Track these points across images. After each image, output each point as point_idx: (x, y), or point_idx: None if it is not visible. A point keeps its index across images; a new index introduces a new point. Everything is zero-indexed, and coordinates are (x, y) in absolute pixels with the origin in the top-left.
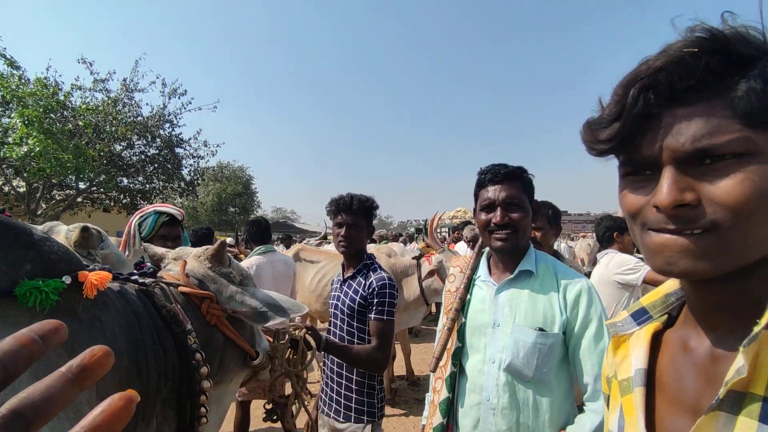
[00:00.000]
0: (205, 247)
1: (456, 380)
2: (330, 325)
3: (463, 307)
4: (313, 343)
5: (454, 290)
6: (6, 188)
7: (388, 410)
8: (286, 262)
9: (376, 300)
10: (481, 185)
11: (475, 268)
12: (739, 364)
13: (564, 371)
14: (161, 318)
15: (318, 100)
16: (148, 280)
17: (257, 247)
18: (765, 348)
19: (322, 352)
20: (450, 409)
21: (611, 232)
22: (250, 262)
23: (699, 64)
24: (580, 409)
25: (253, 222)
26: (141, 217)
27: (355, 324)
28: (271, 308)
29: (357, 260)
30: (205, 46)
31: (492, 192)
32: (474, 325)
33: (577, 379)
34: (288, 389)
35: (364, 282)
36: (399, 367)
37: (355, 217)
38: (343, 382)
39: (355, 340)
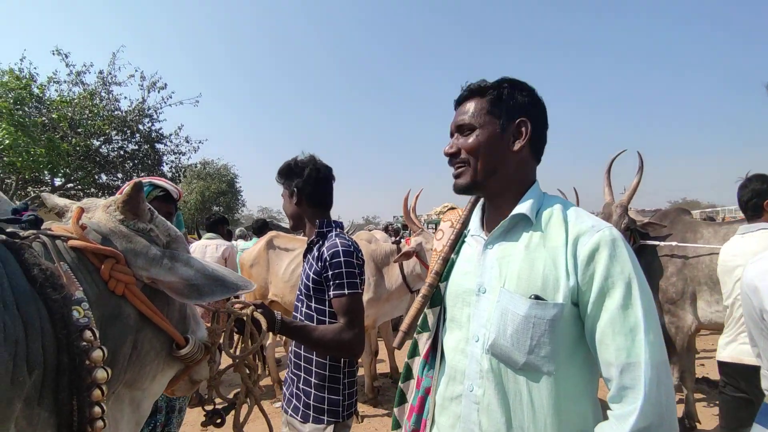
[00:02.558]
0: (114, 197)
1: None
2: (294, 309)
3: (445, 269)
4: (264, 323)
5: (440, 249)
6: None
7: (370, 410)
8: (218, 246)
9: (330, 273)
10: None
11: (467, 222)
12: None
13: (579, 358)
14: (30, 280)
15: (308, 98)
16: (28, 233)
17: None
18: None
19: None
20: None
21: (762, 199)
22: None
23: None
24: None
25: (208, 216)
26: None
27: (313, 305)
28: (210, 281)
29: (311, 230)
30: (189, 38)
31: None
32: (456, 292)
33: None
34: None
35: (317, 254)
36: (383, 365)
37: (282, 184)
38: (302, 375)
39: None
